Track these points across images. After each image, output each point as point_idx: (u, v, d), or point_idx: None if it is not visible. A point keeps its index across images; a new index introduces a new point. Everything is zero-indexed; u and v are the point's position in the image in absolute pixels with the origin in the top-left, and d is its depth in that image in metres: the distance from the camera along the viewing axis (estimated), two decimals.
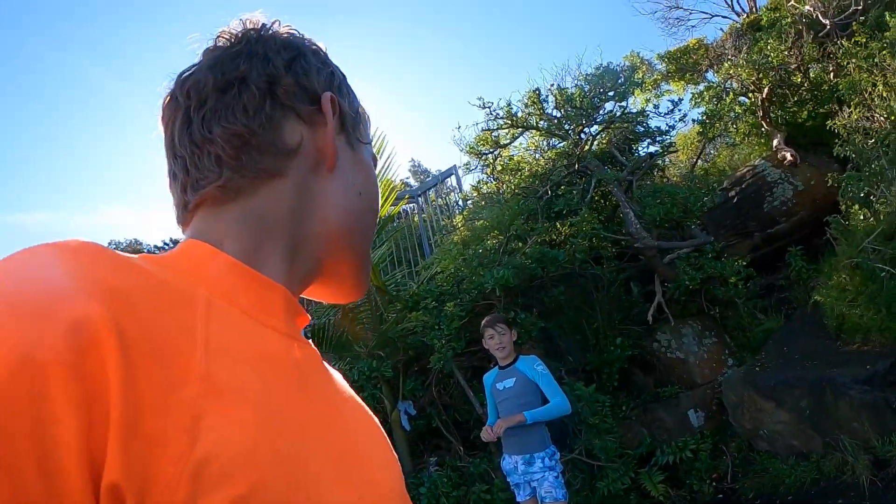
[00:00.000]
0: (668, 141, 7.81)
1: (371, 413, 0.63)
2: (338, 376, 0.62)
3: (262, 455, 0.39)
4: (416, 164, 22.13)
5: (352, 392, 0.62)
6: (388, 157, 5.39)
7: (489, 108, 7.49)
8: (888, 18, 5.66)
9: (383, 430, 0.63)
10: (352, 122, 0.63)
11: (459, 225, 7.70)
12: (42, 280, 0.36)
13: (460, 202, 9.19)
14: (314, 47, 0.62)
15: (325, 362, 0.60)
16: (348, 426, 0.54)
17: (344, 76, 0.65)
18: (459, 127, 12.07)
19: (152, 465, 0.34)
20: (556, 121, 7.56)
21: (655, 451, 5.10)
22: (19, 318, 0.33)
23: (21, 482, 0.31)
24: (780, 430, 4.84)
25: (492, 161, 8.04)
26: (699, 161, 8.92)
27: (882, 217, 5.15)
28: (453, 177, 9.38)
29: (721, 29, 12.01)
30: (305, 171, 0.58)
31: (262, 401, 0.43)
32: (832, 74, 6.68)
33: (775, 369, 5.42)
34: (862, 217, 5.40)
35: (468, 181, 9.99)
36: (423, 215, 8.92)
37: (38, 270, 0.37)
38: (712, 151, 9.61)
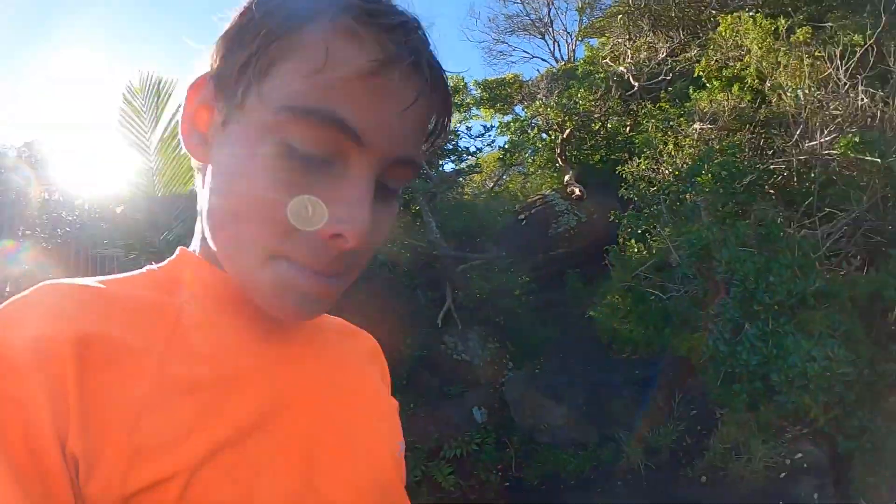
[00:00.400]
0: (475, 161, 8.29)
1: (377, 391, 0.66)
2: (348, 354, 0.65)
3: (195, 444, 0.43)
4: None
5: (362, 370, 0.66)
6: None
7: None
8: (692, 92, 6.82)
9: (390, 413, 0.66)
10: (226, 84, 0.48)
11: None
12: (21, 318, 0.44)
13: None
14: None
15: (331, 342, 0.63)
16: (313, 413, 0.53)
17: (243, 26, 0.48)
18: None
19: (100, 448, 0.40)
20: None
21: (443, 446, 5.25)
22: (6, 348, 0.42)
23: (13, 456, 0.38)
24: (560, 424, 5.34)
25: None
26: (496, 185, 9.58)
27: (654, 251, 6.06)
28: None
29: (538, 70, 13.24)
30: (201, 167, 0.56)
31: (212, 397, 0.46)
32: (629, 129, 7.79)
33: (554, 372, 6.04)
34: (636, 250, 6.30)
35: None
36: None
37: (20, 311, 0.45)
38: (506, 177, 10.40)
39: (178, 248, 0.57)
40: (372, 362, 0.71)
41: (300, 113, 0.44)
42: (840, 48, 7.35)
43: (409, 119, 0.48)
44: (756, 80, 7.11)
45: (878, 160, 5.37)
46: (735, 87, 6.89)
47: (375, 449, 0.57)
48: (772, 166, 6.03)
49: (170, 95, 4.23)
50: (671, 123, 6.71)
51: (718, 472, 4.05)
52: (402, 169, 0.50)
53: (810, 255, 4.78)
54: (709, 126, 6.52)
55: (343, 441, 0.54)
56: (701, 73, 7.70)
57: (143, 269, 0.55)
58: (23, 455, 0.39)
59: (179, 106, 0.53)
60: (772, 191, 6.08)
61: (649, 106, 7.43)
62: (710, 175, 5.57)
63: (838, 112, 6.11)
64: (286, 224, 0.46)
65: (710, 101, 6.78)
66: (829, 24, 9.10)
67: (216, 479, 0.43)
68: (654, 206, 6.38)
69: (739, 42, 7.74)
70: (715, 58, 7.83)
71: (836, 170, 5.77)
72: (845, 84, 6.63)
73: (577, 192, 8.09)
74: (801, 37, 7.34)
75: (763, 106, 6.57)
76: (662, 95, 7.82)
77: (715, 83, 7.31)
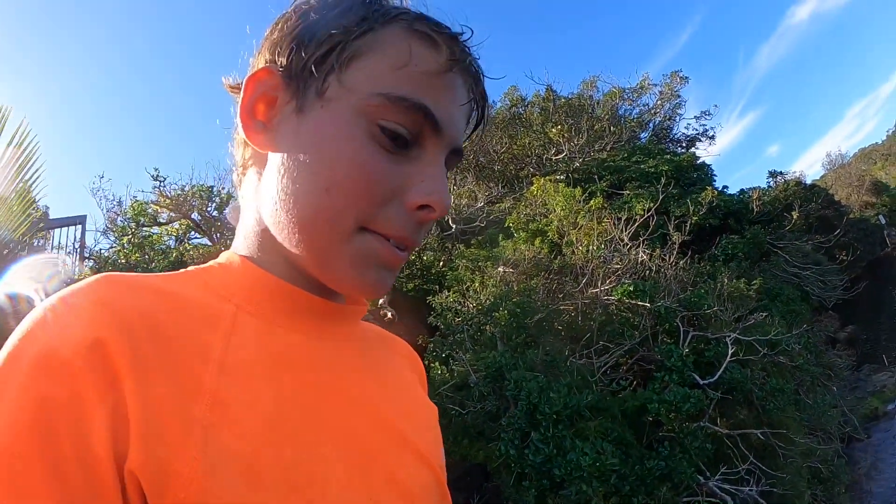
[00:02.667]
0: None
1: (418, 397, 0.67)
2: (391, 359, 0.67)
3: (263, 463, 0.43)
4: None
5: (403, 376, 0.67)
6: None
7: (161, 181, 6.79)
8: (501, 240, 7.43)
9: (433, 420, 0.67)
10: (299, 76, 0.53)
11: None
12: (72, 313, 0.43)
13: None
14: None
15: (378, 345, 0.66)
16: (371, 424, 0.54)
17: (312, 20, 0.54)
18: (103, 177, 9.53)
19: (171, 464, 0.39)
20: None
21: None
22: (53, 345, 0.40)
23: (61, 464, 0.37)
24: None
25: (132, 230, 6.95)
26: None
27: (456, 374, 6.21)
28: (79, 227, 7.61)
29: None
30: (257, 159, 0.58)
31: (272, 411, 0.46)
32: (442, 264, 8.19)
33: None
34: (440, 371, 6.40)
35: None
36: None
37: (71, 305, 0.44)
38: None
39: (223, 252, 0.59)
40: (412, 369, 0.74)
41: (393, 99, 0.50)
42: (628, 214, 8.66)
43: (464, 113, 0.56)
44: (556, 235, 8.00)
45: (648, 304, 6.24)
46: (537, 241, 7.66)
47: (427, 456, 0.59)
48: (561, 307, 6.59)
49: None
50: (479, 264, 7.21)
51: None
52: (455, 158, 0.57)
53: (588, 378, 5.47)
54: (511, 270, 7.06)
55: (403, 447, 0.56)
56: (511, 224, 8.51)
57: (189, 269, 0.56)
58: (72, 464, 0.37)
59: None
60: (560, 327, 6.58)
61: (462, 247, 7.96)
62: (506, 311, 5.96)
63: (619, 266, 7.01)
64: (380, 196, 0.51)
65: (515, 249, 7.44)
66: (626, 192, 10.74)
67: (285, 496, 0.43)
68: (458, 335, 6.60)
69: (546, 202, 8.78)
70: (525, 212, 8.76)
71: (613, 312, 6.47)
72: (628, 244, 7.69)
73: (389, 314, 8.19)
74: (594, 205, 8.51)
75: (559, 257, 7.30)
76: (475, 240, 8.44)
77: (521, 234, 8.09)
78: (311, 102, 0.52)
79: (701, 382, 5.79)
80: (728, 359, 5.98)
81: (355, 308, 0.61)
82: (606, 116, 13.39)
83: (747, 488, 5.56)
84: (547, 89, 13.02)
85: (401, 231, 0.52)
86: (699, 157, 13.76)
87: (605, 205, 9.09)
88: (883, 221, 23.50)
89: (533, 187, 9.19)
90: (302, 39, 0.53)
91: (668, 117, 15.26)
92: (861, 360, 13.35)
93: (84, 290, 0.45)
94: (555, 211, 8.37)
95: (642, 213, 8.75)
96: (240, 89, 0.55)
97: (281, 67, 0.53)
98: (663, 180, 10.14)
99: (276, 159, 0.53)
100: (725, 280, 7.77)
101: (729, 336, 6.25)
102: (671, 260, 7.85)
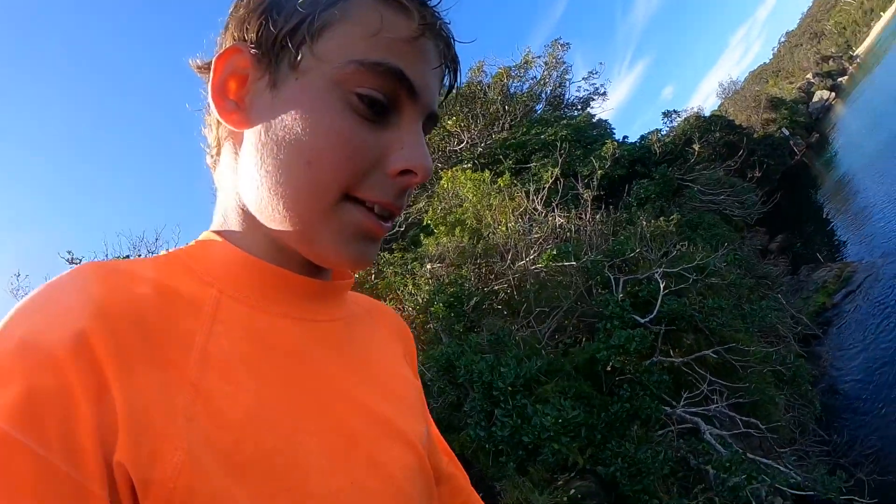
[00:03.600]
0: None
1: (401, 375, 0.66)
2: (375, 333, 0.67)
3: (244, 452, 0.44)
4: None
5: (387, 352, 0.67)
6: None
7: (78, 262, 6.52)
8: (423, 238, 7.37)
9: (415, 397, 0.67)
10: (270, 50, 0.52)
11: None
12: (57, 303, 0.43)
13: None
14: None
15: (367, 320, 0.67)
16: (353, 409, 0.54)
17: None
18: (19, 275, 8.93)
19: (157, 455, 0.40)
20: None
21: None
22: (38, 335, 0.40)
23: (49, 455, 0.36)
24: None
25: None
26: None
27: None
28: None
29: None
30: (232, 139, 0.57)
31: (253, 401, 0.47)
32: (373, 276, 8.07)
33: None
34: None
35: None
36: None
37: (55, 295, 0.43)
38: None
39: (203, 232, 0.58)
40: (398, 339, 0.74)
41: (368, 66, 0.50)
42: (538, 185, 8.81)
43: (438, 77, 0.56)
44: (474, 221, 8.05)
45: (574, 262, 6.37)
46: (457, 231, 7.68)
47: (410, 437, 0.59)
48: (495, 287, 6.62)
49: None
50: (408, 267, 7.17)
51: None
52: (431, 123, 0.58)
53: (535, 346, 5.59)
54: (438, 265, 7.05)
55: (384, 428, 0.56)
56: (429, 221, 8.51)
57: (167, 251, 0.56)
58: (58, 455, 0.37)
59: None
60: (498, 306, 6.62)
61: (386, 255, 7.88)
62: (441, 304, 5.94)
63: (538, 234, 7.13)
64: (362, 164, 0.51)
65: (437, 244, 7.44)
66: (532, 164, 10.96)
67: (267, 484, 0.44)
68: None
69: (458, 192, 8.84)
70: (440, 207, 8.78)
71: (545, 279, 6.56)
72: (542, 213, 7.83)
73: None
74: (502, 183, 8.63)
75: (481, 241, 7.35)
76: (397, 245, 8.39)
77: (441, 229, 8.09)
78: (285, 76, 0.51)
79: (641, 321, 5.96)
80: (662, 293, 6.19)
81: (341, 283, 0.61)
82: (499, 98, 13.66)
83: (713, 406, 5.76)
84: None
85: (385, 197, 0.53)
86: (595, 115, 14.26)
87: (515, 181, 9.26)
88: (786, 133, 25.10)
89: (442, 181, 9.24)
90: (270, 13, 0.52)
91: (557, 85, 15.74)
92: (797, 264, 14.13)
93: (68, 279, 0.45)
94: (468, 198, 8.44)
95: (549, 180, 8.99)
96: (209, 69, 0.54)
97: (251, 44, 0.53)
98: (564, 145, 10.46)
99: (252, 137, 0.53)
100: (643, 222, 8.06)
101: (657, 272, 6.46)
102: (588, 217, 8.07)
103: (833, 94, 35.07)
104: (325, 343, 0.56)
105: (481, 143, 12.07)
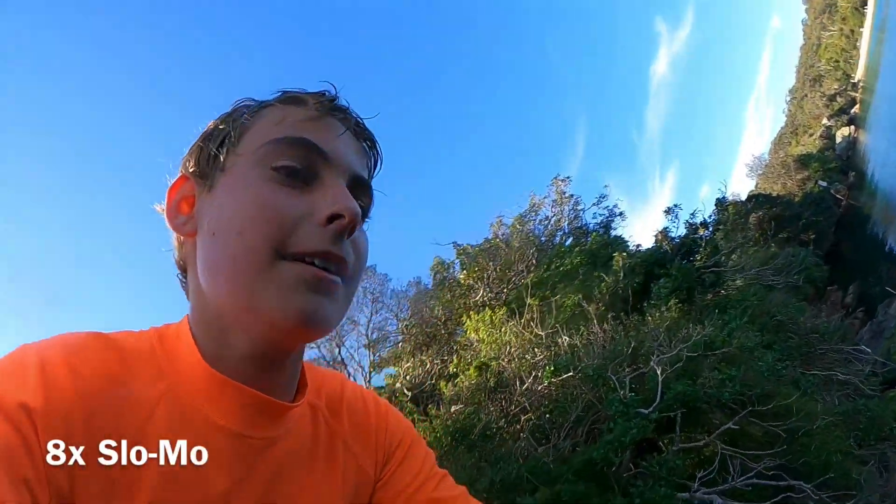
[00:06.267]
0: None
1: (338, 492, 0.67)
2: (315, 467, 0.65)
3: None
4: None
5: (323, 490, 0.65)
6: None
7: None
8: (442, 386, 7.75)
9: None
10: (205, 166, 0.62)
11: None
12: (16, 370, 0.50)
13: None
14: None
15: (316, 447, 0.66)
16: None
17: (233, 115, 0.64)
18: None
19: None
20: None
21: None
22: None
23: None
24: None
25: None
26: None
27: None
28: None
29: None
30: (190, 249, 0.64)
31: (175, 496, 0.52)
32: None
33: None
34: None
35: None
36: None
37: (19, 360, 0.51)
38: None
39: (185, 315, 0.63)
40: (363, 442, 0.72)
41: (276, 142, 0.58)
42: (555, 313, 9.26)
43: (352, 147, 0.62)
44: (489, 359, 8.51)
45: (571, 373, 6.60)
46: (471, 370, 8.14)
47: None
48: (515, 412, 6.89)
49: None
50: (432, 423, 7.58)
51: None
52: (360, 187, 0.63)
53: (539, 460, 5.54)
54: (457, 407, 7.44)
55: None
56: (455, 368, 9.02)
57: (159, 327, 0.63)
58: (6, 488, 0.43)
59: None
60: (523, 433, 6.76)
61: (417, 415, 8.38)
62: (449, 438, 6.24)
63: (541, 356, 7.47)
64: (289, 222, 0.55)
65: (455, 385, 7.89)
66: (556, 297, 11.45)
67: None
68: None
69: (478, 337, 9.40)
70: (464, 355, 9.34)
71: (552, 395, 6.76)
72: (547, 335, 8.21)
73: None
74: (500, 317, 9.19)
75: (492, 376, 7.77)
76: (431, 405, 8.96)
77: (462, 375, 8.58)
78: (217, 177, 0.60)
79: (646, 413, 5.92)
80: (660, 378, 6.20)
81: (286, 405, 0.61)
82: (517, 245, 14.61)
83: (735, 481, 5.46)
84: (455, 246, 14.53)
85: (320, 245, 0.56)
86: (611, 235, 14.94)
87: (536, 311, 9.74)
88: (824, 185, 24.16)
89: (466, 324, 9.93)
90: (204, 142, 0.62)
91: (573, 217, 16.64)
92: (865, 305, 13.07)
93: (36, 350, 0.52)
94: (483, 339, 8.96)
95: (572, 307, 9.48)
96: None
97: (192, 169, 0.62)
98: (578, 271, 11.06)
99: (201, 236, 0.59)
100: (648, 317, 8.18)
101: (653, 360, 6.53)
102: (597, 330, 8.28)
103: (852, 127, 33.99)
104: (255, 466, 0.58)
105: (504, 286, 12.84)
